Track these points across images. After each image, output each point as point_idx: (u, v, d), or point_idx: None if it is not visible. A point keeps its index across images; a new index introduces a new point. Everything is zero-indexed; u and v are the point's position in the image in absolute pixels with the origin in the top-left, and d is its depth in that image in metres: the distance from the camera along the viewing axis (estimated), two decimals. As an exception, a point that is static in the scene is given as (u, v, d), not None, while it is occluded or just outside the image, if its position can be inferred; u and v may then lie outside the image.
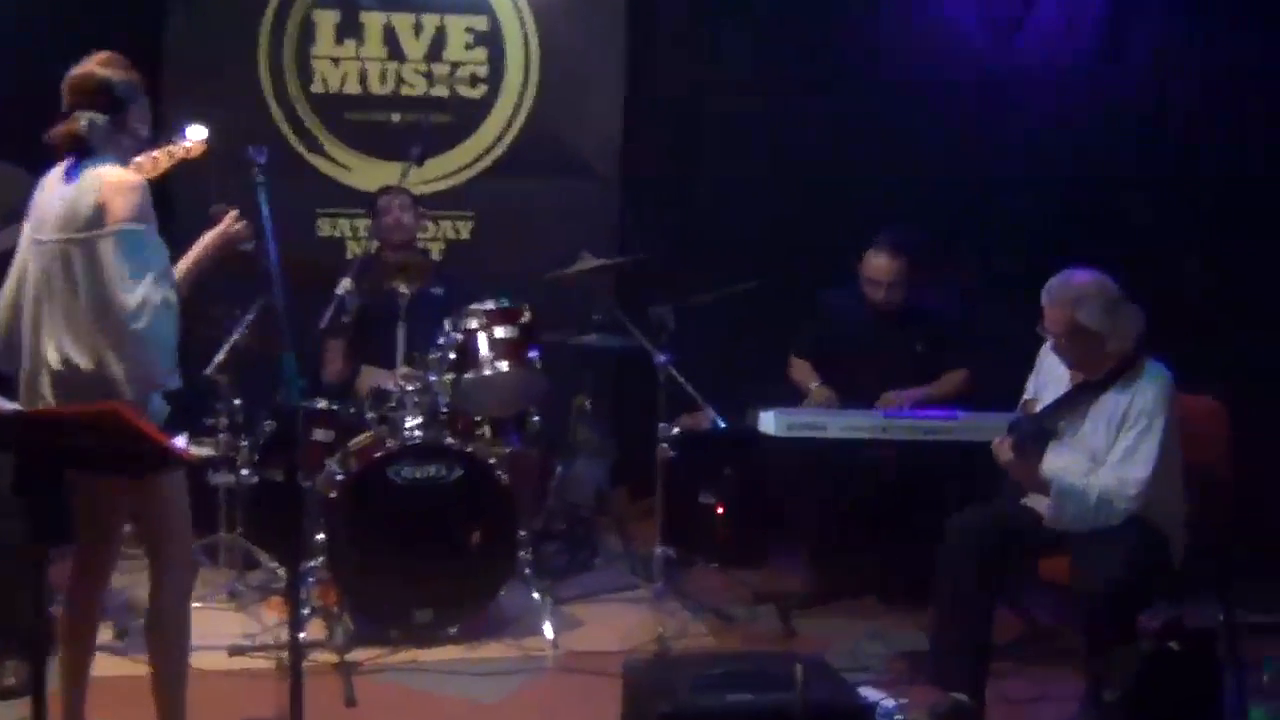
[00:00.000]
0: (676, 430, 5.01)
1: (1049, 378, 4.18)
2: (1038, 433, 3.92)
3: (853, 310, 5.21)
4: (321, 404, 4.96)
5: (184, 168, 3.60)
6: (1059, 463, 3.95)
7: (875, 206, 5.82)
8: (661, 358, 4.97)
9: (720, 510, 5.61)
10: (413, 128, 5.72)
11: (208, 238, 3.48)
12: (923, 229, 5.20)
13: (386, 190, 5.39)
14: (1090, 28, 5.92)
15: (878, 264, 5.07)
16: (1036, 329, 3.98)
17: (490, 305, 4.90)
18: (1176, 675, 3.33)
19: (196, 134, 3.58)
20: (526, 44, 6.14)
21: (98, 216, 3.18)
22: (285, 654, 3.55)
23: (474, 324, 4.87)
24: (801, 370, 5.29)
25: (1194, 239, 5.66)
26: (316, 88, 6.02)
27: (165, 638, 3.36)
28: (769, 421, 4.68)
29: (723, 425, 5.05)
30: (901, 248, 5.06)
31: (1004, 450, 3.95)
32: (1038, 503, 4.01)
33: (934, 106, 5.95)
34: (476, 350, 4.84)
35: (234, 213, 3.50)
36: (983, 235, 5.94)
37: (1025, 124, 5.93)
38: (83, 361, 3.15)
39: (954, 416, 4.63)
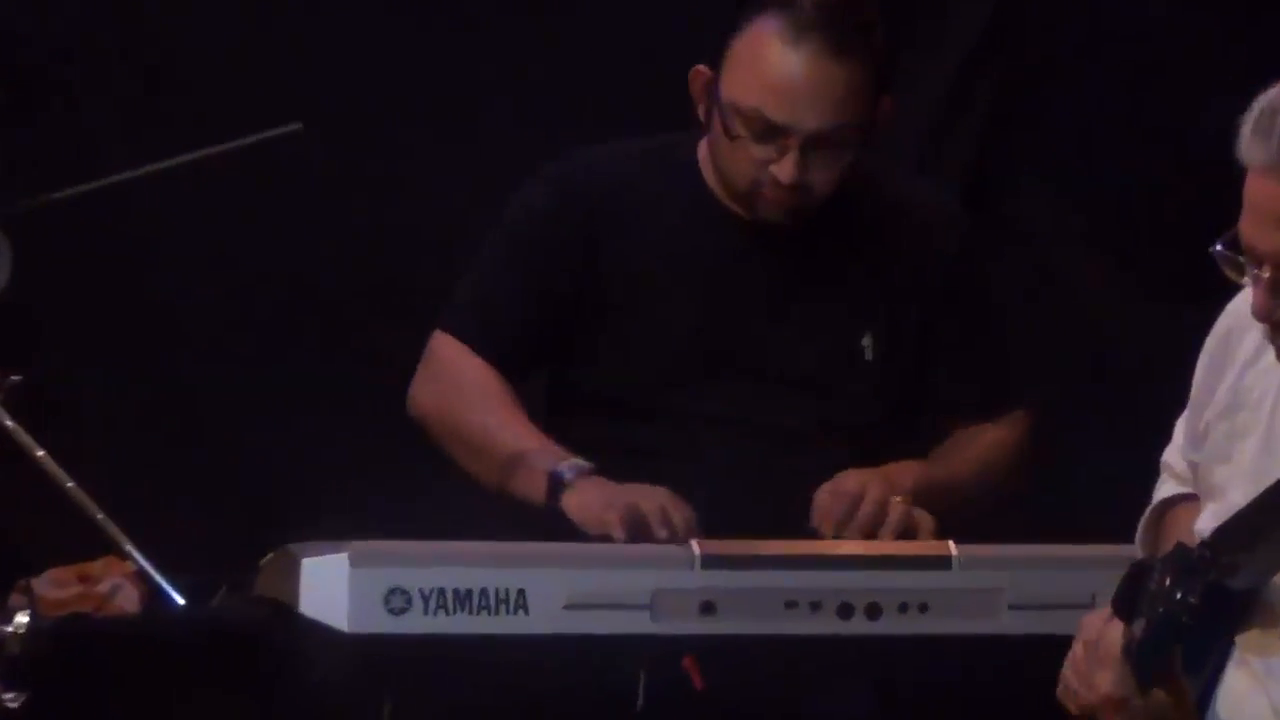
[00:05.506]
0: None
1: (1243, 425, 3.24)
2: (1207, 600, 2.85)
3: (675, 223, 4.02)
4: None
5: None
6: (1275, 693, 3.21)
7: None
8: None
9: None
10: None
11: None
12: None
13: None
14: None
15: (802, 75, 3.94)
16: (1213, 251, 3.11)
17: None
18: None
19: None
20: None
21: None
22: None
23: None
24: (480, 386, 4.04)
25: None
26: None
27: None
28: (334, 591, 3.38)
29: (180, 603, 3.71)
30: (852, 33, 3.88)
31: (1099, 657, 2.97)
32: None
33: None
34: None
35: None
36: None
37: None
38: None
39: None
